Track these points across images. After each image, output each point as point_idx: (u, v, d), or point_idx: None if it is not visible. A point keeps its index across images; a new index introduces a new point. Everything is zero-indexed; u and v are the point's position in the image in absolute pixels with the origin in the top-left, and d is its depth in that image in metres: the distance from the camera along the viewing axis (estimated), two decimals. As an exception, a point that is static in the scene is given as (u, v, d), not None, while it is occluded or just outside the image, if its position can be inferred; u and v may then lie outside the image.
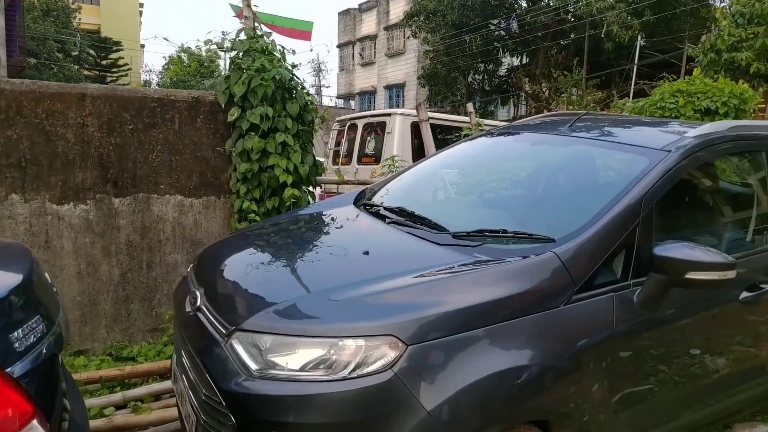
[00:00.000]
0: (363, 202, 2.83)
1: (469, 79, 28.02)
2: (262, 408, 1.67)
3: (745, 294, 2.26)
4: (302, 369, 1.68)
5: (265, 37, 4.03)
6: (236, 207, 3.87)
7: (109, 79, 27.16)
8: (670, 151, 2.20)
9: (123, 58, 28.42)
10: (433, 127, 6.37)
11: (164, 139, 3.72)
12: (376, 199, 2.84)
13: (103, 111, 3.50)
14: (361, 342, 1.64)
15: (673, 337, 2.11)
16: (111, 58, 28.19)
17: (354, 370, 1.63)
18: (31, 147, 3.31)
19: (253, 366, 1.72)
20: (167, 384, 3.08)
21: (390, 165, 5.51)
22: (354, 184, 4.52)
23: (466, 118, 6.73)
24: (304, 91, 4.06)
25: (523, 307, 1.78)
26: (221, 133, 3.92)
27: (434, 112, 8.85)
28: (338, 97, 38.73)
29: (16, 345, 1.38)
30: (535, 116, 3.44)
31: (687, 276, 1.86)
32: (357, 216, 2.59)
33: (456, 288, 1.78)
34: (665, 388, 2.14)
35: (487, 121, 6.99)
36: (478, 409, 1.65)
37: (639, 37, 17.48)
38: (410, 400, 1.59)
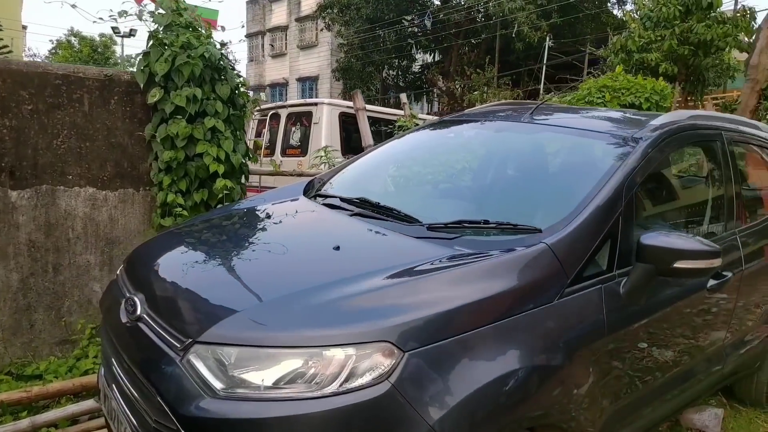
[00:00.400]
0: (315, 192, 2.58)
1: (384, 75, 28.09)
2: (233, 435, 1.39)
3: (711, 282, 2.28)
4: (278, 385, 1.42)
5: (189, 12, 3.63)
6: (159, 200, 3.44)
7: (-14, 62, 24.22)
8: (641, 138, 2.16)
9: (2, 39, 25.51)
10: (368, 119, 6.19)
11: (71, 122, 3.22)
12: (330, 190, 2.59)
13: (-6, 87, 2.97)
14: (350, 350, 1.41)
15: (654, 328, 2.07)
16: (-13, 41, 25.23)
17: (343, 383, 1.39)
18: None
19: (217, 385, 1.44)
20: (87, 404, 2.65)
21: (323, 157, 5.25)
22: (296, 176, 4.22)
23: (399, 111, 6.60)
24: (235, 72, 3.70)
25: (520, 303, 1.63)
26: (139, 117, 3.47)
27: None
28: (248, 88, 37.35)
29: None
30: (485, 105, 3.33)
31: (675, 265, 1.81)
32: (314, 208, 2.33)
33: (449, 285, 1.59)
34: (649, 378, 2.10)
35: (421, 115, 6.89)
36: (486, 417, 1.48)
37: (547, 39, 18.30)
38: (410, 414, 1.39)
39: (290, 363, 1.43)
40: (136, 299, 1.73)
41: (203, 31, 3.59)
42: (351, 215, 2.17)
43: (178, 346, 1.51)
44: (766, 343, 3.01)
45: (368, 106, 7.68)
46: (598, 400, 1.84)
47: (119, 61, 34.21)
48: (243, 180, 3.79)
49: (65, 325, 3.27)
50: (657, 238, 1.84)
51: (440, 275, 1.62)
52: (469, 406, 1.45)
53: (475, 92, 22.97)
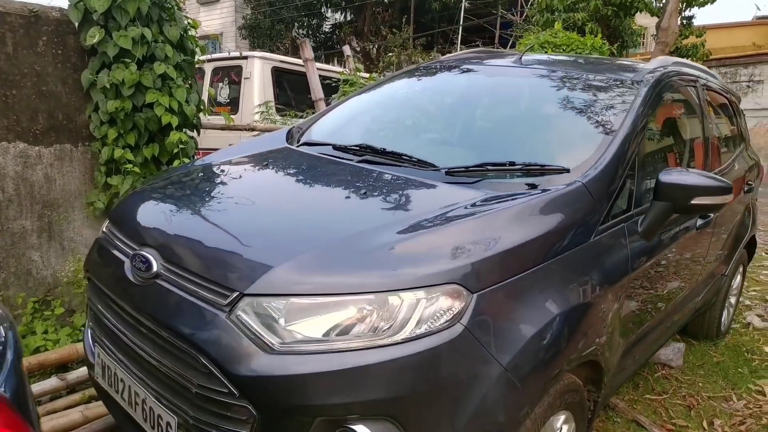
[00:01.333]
0: (304, 141, 2.40)
1: (294, 34, 27.09)
2: (297, 391, 1.27)
3: (699, 221, 2.42)
4: (342, 335, 1.31)
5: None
6: (104, 157, 3.07)
7: None
8: (641, 81, 2.21)
9: None
10: (301, 74, 5.91)
11: (-5, 66, 2.76)
12: (318, 137, 2.43)
13: None
14: (420, 294, 1.32)
15: (659, 265, 2.16)
16: None
17: (414, 329, 1.31)
18: None
19: (273, 339, 1.30)
20: (49, 383, 2.36)
21: (264, 113, 4.98)
22: (248, 130, 3.93)
23: (339, 68, 6.37)
24: (181, 12, 3.34)
25: (569, 241, 1.61)
26: (73, 62, 3.05)
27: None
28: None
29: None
30: (464, 52, 3.24)
31: (693, 202, 1.88)
32: (313, 158, 2.16)
33: (502, 225, 1.53)
34: (652, 312, 2.21)
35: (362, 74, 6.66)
36: (545, 353, 1.46)
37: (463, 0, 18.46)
38: (484, 356, 1.34)
39: (354, 311, 1.32)
40: (147, 255, 1.51)
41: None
42: (358, 162, 2.04)
43: (224, 301, 1.34)
44: (720, 283, 3.28)
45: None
46: (619, 335, 1.91)
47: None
48: (196, 134, 3.48)
49: (2, 300, 2.87)
50: (676, 176, 1.89)
51: (490, 216, 1.56)
52: (536, 344, 1.42)
53: (390, 54, 22.85)
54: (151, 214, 1.73)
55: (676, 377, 3.26)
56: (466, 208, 1.61)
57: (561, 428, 1.78)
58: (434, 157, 2.03)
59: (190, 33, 3.34)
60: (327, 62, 29.98)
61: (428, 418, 1.31)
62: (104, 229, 1.82)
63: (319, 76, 6.74)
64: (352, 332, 1.31)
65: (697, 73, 2.97)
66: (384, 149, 2.09)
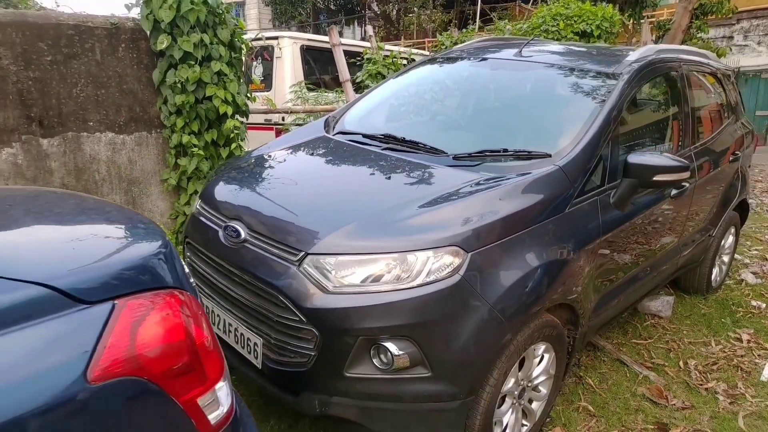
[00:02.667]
0: (338, 130, 2.96)
1: (315, -2, 27.16)
2: (345, 319, 1.88)
3: (673, 191, 2.91)
4: (375, 282, 1.91)
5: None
6: (173, 142, 3.71)
7: None
8: (621, 73, 2.68)
9: None
10: (327, 51, 6.37)
11: (87, 71, 3.38)
12: (350, 127, 2.98)
13: (16, 41, 3.07)
14: (429, 253, 1.91)
15: (633, 229, 2.66)
16: None
17: (425, 278, 1.90)
18: (-65, 84, 2.84)
19: (328, 285, 1.90)
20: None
21: (297, 91, 5.52)
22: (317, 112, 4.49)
23: (365, 43, 6.82)
24: (230, 15, 3.89)
25: (544, 213, 2.15)
26: (145, 63, 3.65)
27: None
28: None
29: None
30: (472, 41, 3.73)
31: (654, 178, 2.39)
32: (347, 145, 2.73)
33: (492, 201, 2.09)
34: (626, 267, 2.73)
35: (388, 45, 7.11)
36: (527, 296, 2.03)
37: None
38: (475, 296, 1.92)
39: (383, 265, 1.91)
40: (237, 226, 2.13)
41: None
42: (382, 149, 2.60)
43: (294, 258, 1.95)
44: (707, 243, 3.76)
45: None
46: (593, 286, 2.45)
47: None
48: (245, 119, 4.07)
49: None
50: (640, 158, 2.40)
51: (484, 193, 2.11)
52: (515, 289, 1.99)
53: (411, 14, 22.84)
54: (233, 194, 2.35)
55: (663, 326, 3.73)
56: (466, 187, 2.17)
57: (543, 355, 2.36)
58: (444, 144, 2.57)
59: (237, 32, 3.88)
60: (347, 26, 29.84)
61: (435, 339, 1.90)
62: (197, 206, 2.44)
63: (347, 52, 7.23)
64: (381, 280, 1.90)
65: (683, 56, 3.39)
66: (403, 138, 2.65)
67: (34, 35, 3.14)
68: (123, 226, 1.32)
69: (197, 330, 1.12)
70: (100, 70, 3.43)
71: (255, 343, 2.07)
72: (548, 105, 2.77)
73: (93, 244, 1.17)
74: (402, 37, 22.00)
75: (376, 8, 26.18)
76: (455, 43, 6.35)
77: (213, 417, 1.12)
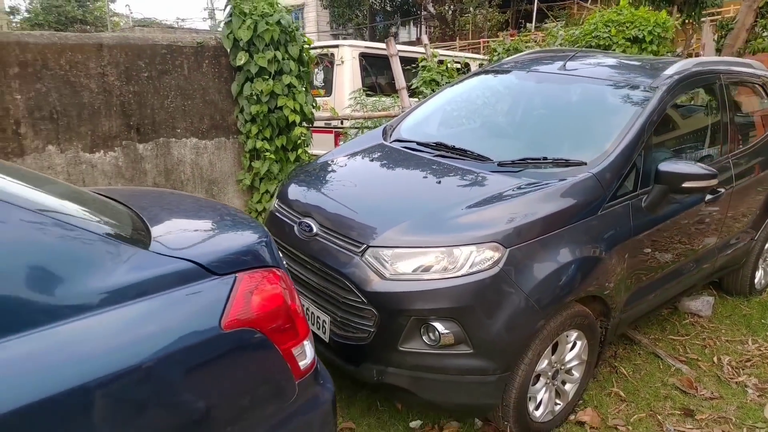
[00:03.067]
0: (395, 138, 3.32)
1: (370, 0, 27.70)
2: (399, 301, 2.23)
3: (708, 197, 3.11)
4: (425, 271, 2.25)
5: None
6: (248, 146, 4.17)
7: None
8: (657, 87, 2.91)
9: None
10: (384, 57, 6.74)
11: (176, 85, 3.88)
12: (405, 135, 3.33)
13: (119, 60, 3.60)
14: (473, 248, 2.23)
15: (666, 231, 2.89)
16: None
17: (468, 269, 2.22)
18: (59, 99, 3.39)
19: (386, 272, 2.26)
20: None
21: (356, 97, 5.92)
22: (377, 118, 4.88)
23: (419, 49, 7.16)
24: (299, 32, 4.31)
25: (577, 215, 2.43)
26: (225, 77, 4.12)
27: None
28: (223, 11, 36.44)
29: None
30: (523, 53, 4.00)
31: (683, 185, 2.62)
32: (402, 152, 3.08)
33: (531, 203, 2.39)
34: (660, 267, 2.95)
35: (439, 51, 7.43)
36: (558, 288, 2.32)
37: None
38: (512, 286, 2.23)
39: (432, 257, 2.25)
40: (309, 222, 2.52)
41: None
42: (434, 156, 2.93)
43: (357, 249, 2.31)
44: (748, 246, 3.89)
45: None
46: (625, 282, 2.70)
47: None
48: (310, 125, 4.50)
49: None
50: (670, 166, 2.63)
51: (524, 197, 2.41)
52: (548, 282, 2.28)
53: (467, 15, 22.97)
54: (305, 195, 2.74)
55: (702, 324, 3.87)
56: (508, 191, 2.48)
57: (575, 342, 2.63)
58: (490, 152, 2.88)
59: (305, 48, 4.30)
60: (403, 26, 30.07)
61: (476, 321, 2.22)
62: (275, 205, 2.85)
63: (403, 58, 7.58)
64: (431, 270, 2.24)
65: (724, 68, 3.55)
66: (453, 146, 2.97)
67: (135, 55, 3.65)
68: (233, 221, 1.72)
69: (291, 298, 1.50)
70: (187, 84, 3.93)
71: (324, 321, 2.45)
72: (586, 117, 3.02)
73: (216, 233, 1.58)
74: (457, 37, 22.18)
75: (431, 9, 26.45)
76: (507, 50, 6.58)
77: (302, 364, 1.50)
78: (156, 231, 1.42)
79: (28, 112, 3.31)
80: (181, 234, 1.49)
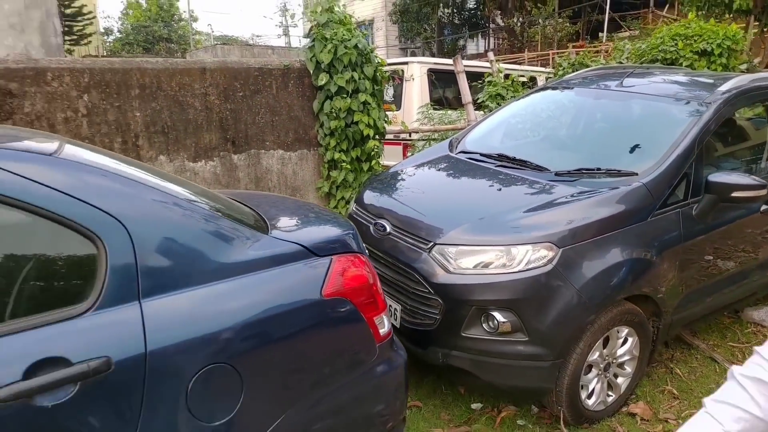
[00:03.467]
0: (460, 150, 3.64)
1: (439, 13, 28.14)
2: (462, 292, 2.54)
3: (764, 207, 3.22)
4: (485, 267, 2.55)
5: (338, 6, 4.64)
6: (327, 158, 4.61)
7: (75, 29, 26.14)
8: (711, 102, 3.08)
9: (86, 5, 27.30)
10: (451, 72, 7.07)
11: (266, 102, 4.39)
12: (470, 147, 3.64)
13: (219, 82, 4.14)
14: (529, 247, 2.51)
15: (717, 239, 3.04)
16: (74, 7, 26.94)
17: (525, 265, 2.51)
18: (170, 116, 3.96)
19: (450, 267, 2.58)
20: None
21: (424, 112, 6.28)
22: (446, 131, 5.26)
23: (484, 64, 7.45)
24: (374, 54, 4.73)
25: (628, 220, 2.66)
26: (307, 95, 4.60)
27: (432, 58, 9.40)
28: (306, 36, 38.08)
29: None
30: (584, 71, 4.24)
31: (732, 195, 2.78)
32: (466, 163, 3.40)
33: (583, 209, 2.64)
34: (712, 273, 3.10)
35: (505, 66, 7.69)
36: (608, 286, 2.56)
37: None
38: (564, 282, 2.49)
39: (492, 255, 2.55)
40: (383, 223, 2.89)
41: (351, 23, 4.61)
42: (496, 166, 3.23)
43: (426, 246, 2.65)
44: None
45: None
46: (676, 285, 2.87)
47: (183, 16, 35.59)
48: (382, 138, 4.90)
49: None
50: (720, 177, 2.81)
51: (577, 203, 2.67)
52: (598, 280, 2.52)
53: (536, 26, 22.90)
54: (378, 200, 3.12)
55: (765, 334, 3.88)
56: (563, 198, 2.74)
57: (627, 338, 2.83)
58: (548, 162, 3.14)
59: (379, 69, 4.71)
60: (471, 39, 30.22)
61: (532, 312, 2.49)
62: (353, 208, 3.25)
63: (469, 73, 7.90)
64: (490, 266, 2.54)
65: None
66: (514, 157, 3.26)
67: (232, 77, 4.19)
68: (326, 216, 2.11)
69: (372, 279, 1.86)
70: (275, 102, 4.43)
71: (395, 309, 2.80)
72: (640, 130, 3.22)
73: (315, 225, 1.98)
74: (526, 49, 22.15)
75: (500, 21, 26.54)
76: (572, 65, 6.74)
77: (381, 331, 1.85)
78: (271, 222, 1.83)
79: (144, 127, 3.89)
80: (289, 225, 1.89)
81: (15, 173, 1.25)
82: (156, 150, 3.94)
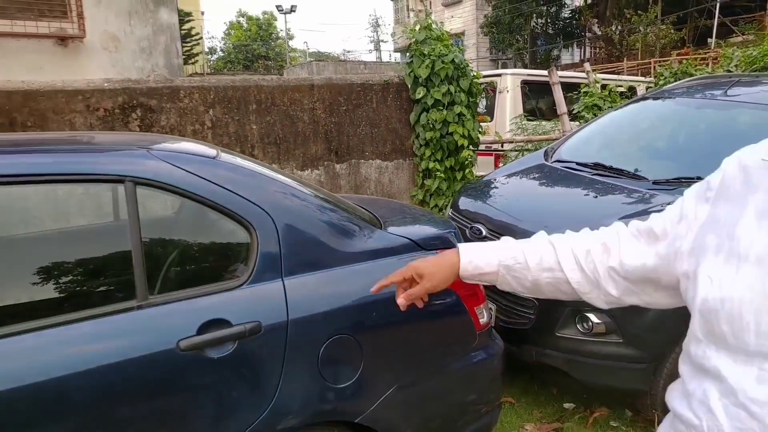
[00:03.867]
0: (556, 159, 3.73)
1: (532, 24, 27.77)
2: (557, 294, 2.65)
3: None
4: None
5: (434, 24, 4.89)
6: (422, 167, 4.84)
7: (184, 49, 28.53)
8: None
9: (194, 27, 29.81)
10: (544, 83, 7.09)
11: (366, 116, 4.70)
12: (565, 156, 3.72)
13: (325, 97, 4.50)
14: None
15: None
16: (184, 29, 29.49)
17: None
18: (282, 128, 4.36)
19: None
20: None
21: (518, 122, 6.36)
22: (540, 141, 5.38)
23: (580, 74, 7.40)
24: (469, 68, 4.92)
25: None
26: (404, 108, 4.86)
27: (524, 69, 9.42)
28: (396, 50, 39.03)
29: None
30: (687, 80, 4.17)
31: None
32: (562, 171, 3.49)
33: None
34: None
35: (603, 76, 7.59)
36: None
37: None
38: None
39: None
40: (479, 227, 3.05)
41: (448, 39, 4.83)
42: (592, 175, 3.29)
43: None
44: None
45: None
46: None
47: (280, 35, 37.68)
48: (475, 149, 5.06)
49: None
50: None
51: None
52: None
53: (636, 33, 21.94)
54: (473, 205, 3.29)
55: None
56: (658, 206, 2.77)
57: None
58: (646, 171, 3.17)
59: (474, 82, 4.88)
60: (566, 48, 29.48)
61: (627, 316, 2.52)
62: (450, 213, 3.44)
63: (564, 84, 7.86)
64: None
65: None
66: (611, 166, 3.30)
67: (336, 92, 4.54)
68: (430, 217, 2.33)
69: (474, 273, 2.04)
70: (375, 115, 4.73)
71: (491, 307, 2.94)
72: (743, 140, 3.14)
73: (421, 223, 2.20)
74: (625, 58, 21.31)
75: (597, 30, 25.73)
76: (675, 74, 6.54)
77: (481, 321, 2.03)
78: (383, 220, 2.07)
79: (260, 138, 4.32)
80: (398, 223, 2.12)
81: (191, 173, 1.57)
82: (269, 159, 4.35)
